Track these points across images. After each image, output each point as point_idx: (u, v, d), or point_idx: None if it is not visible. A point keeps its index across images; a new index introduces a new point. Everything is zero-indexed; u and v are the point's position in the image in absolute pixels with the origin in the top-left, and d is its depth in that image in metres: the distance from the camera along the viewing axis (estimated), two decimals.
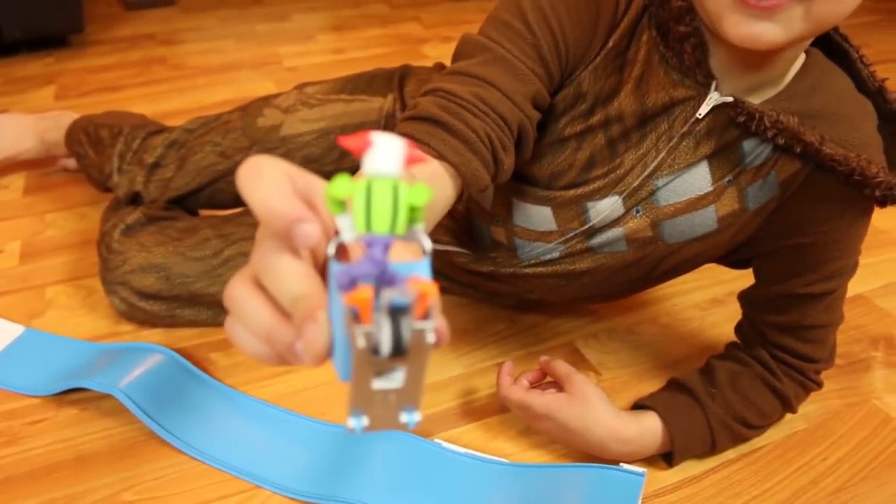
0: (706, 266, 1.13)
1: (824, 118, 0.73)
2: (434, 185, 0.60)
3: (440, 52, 2.05)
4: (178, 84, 1.84)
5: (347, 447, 0.84)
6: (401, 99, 1.02)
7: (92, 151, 1.20)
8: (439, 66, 1.05)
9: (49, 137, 1.34)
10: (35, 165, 1.42)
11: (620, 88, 0.75)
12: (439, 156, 0.63)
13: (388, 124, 1.02)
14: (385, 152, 0.26)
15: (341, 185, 0.27)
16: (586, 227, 0.82)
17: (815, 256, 0.81)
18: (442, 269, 1.03)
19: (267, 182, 0.31)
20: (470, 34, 0.73)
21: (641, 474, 0.76)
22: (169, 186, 1.09)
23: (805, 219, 0.79)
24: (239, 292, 0.34)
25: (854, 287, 1.18)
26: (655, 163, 0.77)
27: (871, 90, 0.77)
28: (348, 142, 0.27)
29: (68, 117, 1.34)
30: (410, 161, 0.27)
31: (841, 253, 0.81)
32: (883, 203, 0.74)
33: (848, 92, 0.76)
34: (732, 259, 0.89)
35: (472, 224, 0.93)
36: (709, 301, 1.13)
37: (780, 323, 0.85)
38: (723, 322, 1.00)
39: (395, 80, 1.04)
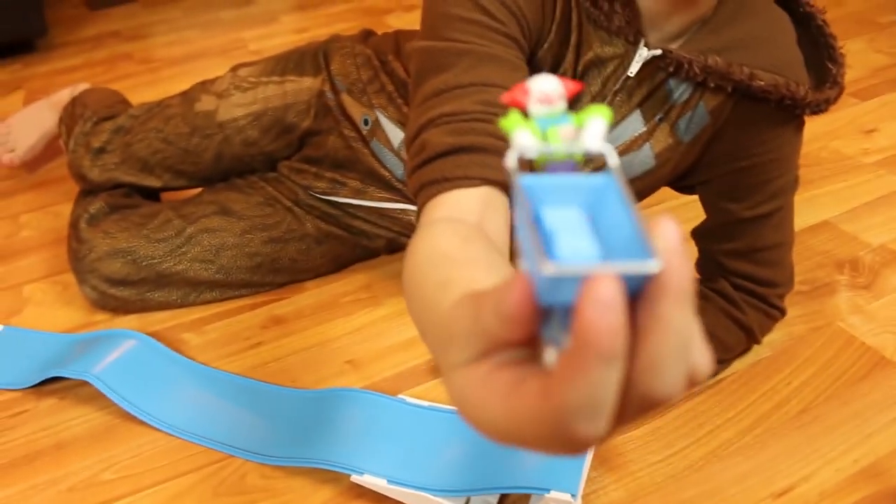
0: (670, 206, 1.14)
1: (749, 47, 0.74)
2: (493, 213, 0.54)
3: (404, 22, 2.04)
4: (146, 78, 1.85)
5: (316, 410, 0.86)
6: (328, 78, 1.02)
7: (65, 129, 1.22)
8: (364, 34, 1.05)
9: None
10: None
11: (564, 58, 0.73)
12: (482, 181, 0.56)
13: (318, 103, 1.02)
14: (545, 88, 0.25)
15: (515, 116, 0.25)
16: None
17: (757, 178, 0.82)
18: (405, 230, 1.05)
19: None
20: (426, 44, 0.66)
21: None
22: (114, 175, 1.11)
23: (741, 143, 0.80)
24: None
25: (818, 213, 1.19)
26: None
27: None
28: (507, 97, 0.26)
29: (82, 87, 1.36)
30: (571, 92, 0.26)
31: (781, 171, 0.82)
32: (814, 114, 0.77)
33: (767, 11, 0.77)
34: (679, 185, 0.90)
35: None
36: None
37: (734, 250, 0.86)
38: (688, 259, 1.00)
39: (320, 58, 1.04)
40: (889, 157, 1.33)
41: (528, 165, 0.26)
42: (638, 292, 0.24)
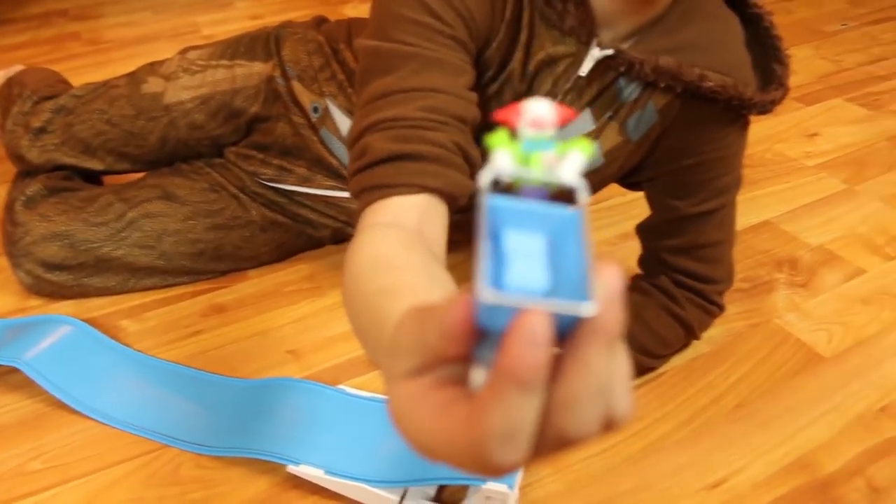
0: (617, 203, 1.15)
1: (699, 48, 0.75)
2: (431, 220, 0.57)
3: (360, 11, 2.02)
4: (94, 59, 1.80)
5: (254, 400, 0.85)
6: (279, 64, 1.01)
7: (0, 110, 1.18)
8: (317, 20, 1.04)
9: None
10: None
11: (513, 56, 0.73)
12: (422, 189, 0.58)
13: (267, 89, 1.01)
14: (539, 113, 0.26)
15: (501, 135, 0.26)
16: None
17: (702, 175, 0.83)
18: (350, 220, 1.04)
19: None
20: (373, 44, 0.66)
21: None
22: (54, 156, 1.07)
23: (688, 141, 0.81)
24: None
25: (761, 213, 1.22)
26: None
27: None
28: (500, 114, 0.26)
29: (17, 68, 1.31)
30: (563, 120, 0.26)
31: (725, 169, 0.84)
32: (760, 114, 0.79)
33: (716, 13, 0.77)
34: (626, 181, 0.91)
35: None
36: (619, 236, 1.15)
37: (676, 246, 0.87)
38: (632, 256, 1.01)
39: (271, 44, 1.02)
40: (830, 161, 1.36)
41: (500, 186, 0.26)
42: (569, 330, 0.25)
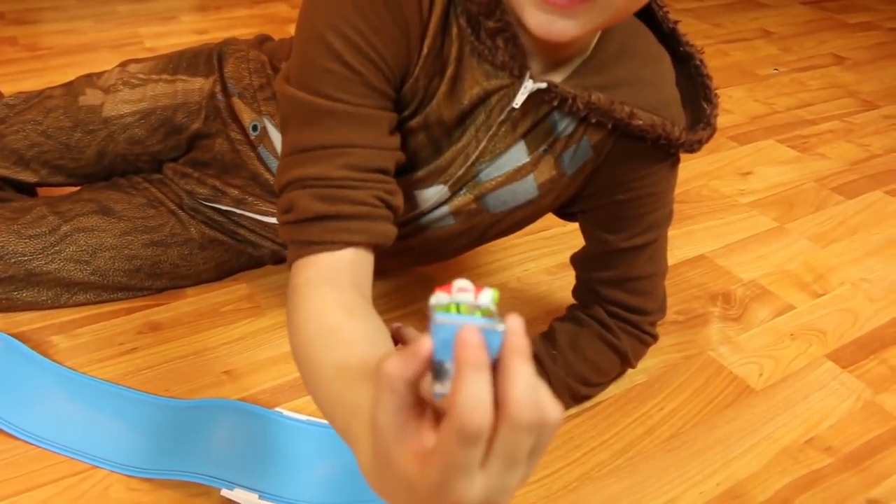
0: (557, 232, 1.17)
1: (630, 85, 0.77)
2: (359, 272, 0.66)
3: None
4: (31, 65, 1.75)
5: (188, 421, 0.83)
6: (221, 80, 1.00)
7: None
8: (260, 38, 1.03)
9: None
10: None
11: (437, 90, 0.73)
12: (348, 244, 0.65)
13: (208, 105, 1.00)
14: (463, 285, 0.37)
15: (441, 296, 0.37)
16: (415, 212, 0.83)
17: (633, 211, 0.85)
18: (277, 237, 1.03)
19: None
20: (290, 91, 0.68)
21: None
22: None
23: (620, 177, 0.83)
24: None
25: (696, 247, 1.25)
26: (477, 152, 0.78)
27: (665, 32, 0.82)
28: (440, 288, 0.36)
29: None
30: (479, 289, 0.37)
31: (656, 205, 0.86)
32: (687, 153, 0.81)
33: (649, 52, 0.80)
34: (561, 212, 0.92)
35: None
36: (558, 266, 1.16)
37: (609, 279, 0.89)
38: (570, 285, 1.03)
39: (213, 60, 1.02)
40: (761, 199, 1.41)
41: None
42: (498, 354, 0.35)
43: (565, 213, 0.93)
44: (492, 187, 0.81)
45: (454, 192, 0.81)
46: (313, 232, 0.65)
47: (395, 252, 0.89)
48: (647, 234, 0.86)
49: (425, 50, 0.70)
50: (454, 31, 0.71)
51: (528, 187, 0.82)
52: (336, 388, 0.51)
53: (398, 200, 0.70)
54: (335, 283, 0.63)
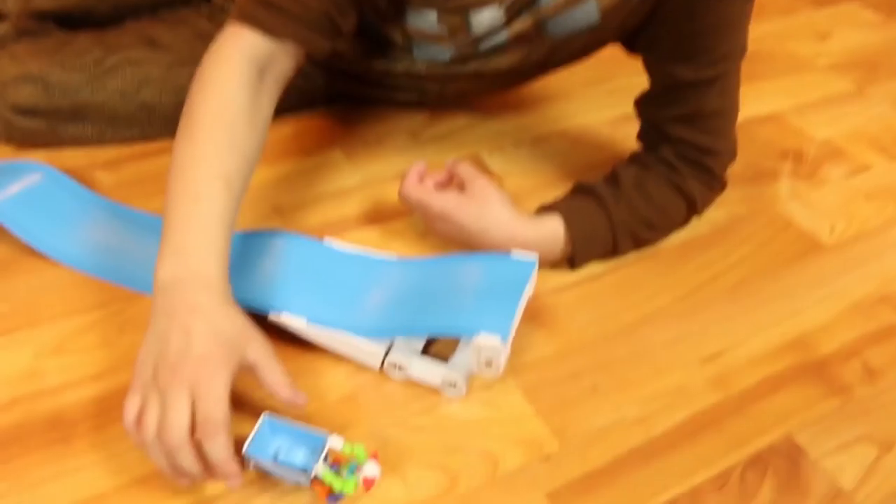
0: (620, 85, 1.10)
1: None
2: (280, 68, 0.74)
3: None
4: None
5: (235, 250, 0.80)
6: None
7: None
8: None
9: None
10: None
11: None
12: (283, 34, 0.72)
13: None
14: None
15: None
16: (472, 34, 0.79)
17: (703, 41, 0.79)
18: (331, 72, 1.00)
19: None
20: None
21: (533, 261, 0.74)
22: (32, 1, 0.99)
23: (690, 4, 0.77)
24: None
25: (767, 105, 1.18)
26: None
27: None
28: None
29: None
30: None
31: (728, 35, 0.80)
32: None
33: None
34: (627, 42, 0.87)
35: (367, 25, 0.88)
36: (620, 117, 1.10)
37: (677, 115, 0.84)
38: (632, 135, 0.98)
39: None
40: (840, 62, 1.32)
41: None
42: None
43: (631, 44, 0.86)
44: (552, 12, 0.77)
45: (511, 16, 0.77)
46: (259, 11, 0.72)
47: (456, 76, 0.85)
48: (718, 67, 0.80)
49: None
50: None
51: (588, 13, 0.77)
52: (190, 178, 0.70)
53: (347, 21, 0.77)
54: (253, 63, 0.72)
